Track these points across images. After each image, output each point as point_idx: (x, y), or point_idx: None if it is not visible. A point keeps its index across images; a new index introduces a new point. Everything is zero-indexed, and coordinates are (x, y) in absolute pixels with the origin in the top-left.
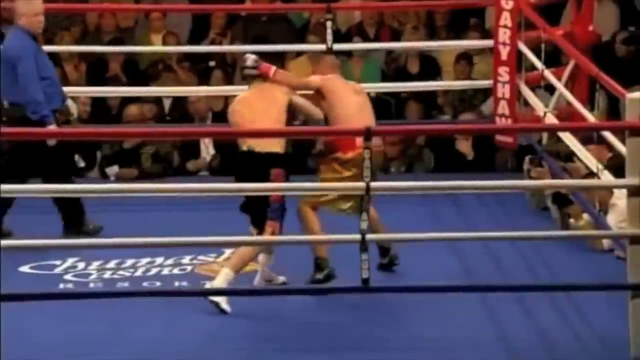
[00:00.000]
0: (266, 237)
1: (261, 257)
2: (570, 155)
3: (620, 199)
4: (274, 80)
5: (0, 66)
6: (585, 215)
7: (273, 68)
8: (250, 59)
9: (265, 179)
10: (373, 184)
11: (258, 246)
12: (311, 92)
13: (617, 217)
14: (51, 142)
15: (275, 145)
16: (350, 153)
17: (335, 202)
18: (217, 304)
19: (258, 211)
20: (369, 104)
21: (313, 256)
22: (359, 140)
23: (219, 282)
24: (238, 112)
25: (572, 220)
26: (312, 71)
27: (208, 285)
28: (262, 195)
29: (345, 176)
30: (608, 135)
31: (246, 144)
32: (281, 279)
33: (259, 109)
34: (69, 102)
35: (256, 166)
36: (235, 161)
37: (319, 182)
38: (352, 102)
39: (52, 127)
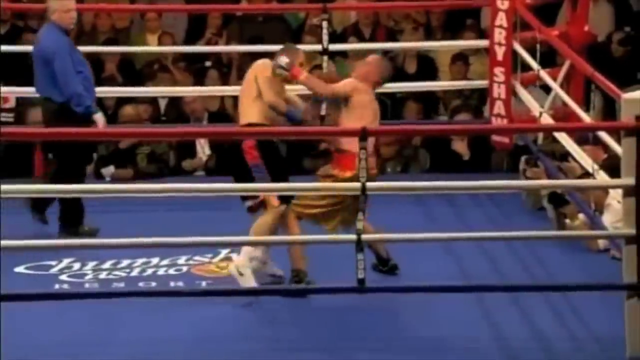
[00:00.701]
0: (263, 238)
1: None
2: (565, 155)
3: (615, 199)
4: (300, 82)
5: (35, 63)
6: (581, 216)
7: (304, 73)
8: (283, 61)
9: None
10: (369, 184)
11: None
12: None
13: (612, 217)
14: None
15: (252, 116)
16: (348, 173)
17: (320, 218)
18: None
19: (244, 177)
20: (378, 119)
21: (291, 267)
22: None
23: (242, 257)
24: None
25: (567, 220)
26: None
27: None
28: (238, 161)
29: (338, 195)
30: (603, 135)
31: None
32: (279, 272)
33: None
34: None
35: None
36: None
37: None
38: (366, 117)
39: (99, 116)
